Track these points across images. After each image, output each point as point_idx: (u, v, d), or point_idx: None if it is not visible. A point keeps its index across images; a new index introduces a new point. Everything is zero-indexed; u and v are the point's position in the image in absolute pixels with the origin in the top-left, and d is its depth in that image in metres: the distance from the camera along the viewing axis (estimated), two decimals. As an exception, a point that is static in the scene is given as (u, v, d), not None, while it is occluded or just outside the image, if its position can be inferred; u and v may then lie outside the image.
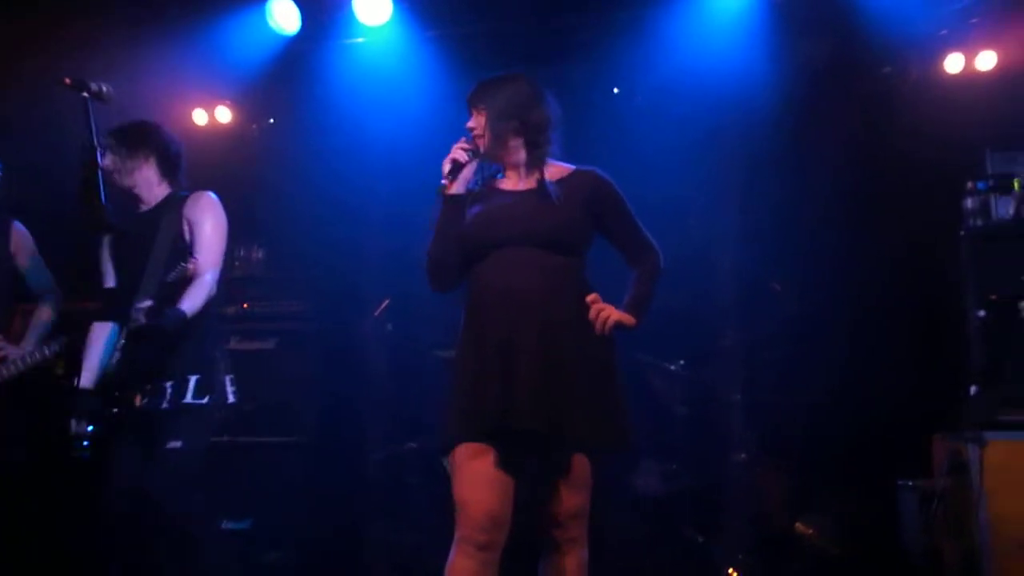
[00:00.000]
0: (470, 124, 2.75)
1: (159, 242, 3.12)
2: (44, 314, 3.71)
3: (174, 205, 3.26)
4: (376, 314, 5.26)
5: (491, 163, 2.81)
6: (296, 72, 5.22)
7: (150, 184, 3.32)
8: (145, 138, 3.33)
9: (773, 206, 4.80)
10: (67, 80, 2.67)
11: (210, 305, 3.19)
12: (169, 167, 3.37)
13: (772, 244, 4.78)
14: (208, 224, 3.22)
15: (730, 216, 4.94)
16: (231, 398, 3.38)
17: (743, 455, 4.53)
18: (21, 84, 4.60)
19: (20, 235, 3.71)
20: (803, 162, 4.88)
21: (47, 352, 3.57)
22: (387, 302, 5.24)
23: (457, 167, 2.66)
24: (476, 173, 2.76)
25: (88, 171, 2.65)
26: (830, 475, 4.46)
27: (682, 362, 4.64)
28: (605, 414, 2.52)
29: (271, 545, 4.56)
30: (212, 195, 3.34)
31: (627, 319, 2.58)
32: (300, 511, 4.64)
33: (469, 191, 2.72)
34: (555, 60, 5.15)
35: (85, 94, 2.70)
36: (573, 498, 2.54)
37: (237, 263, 5.33)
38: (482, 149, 2.71)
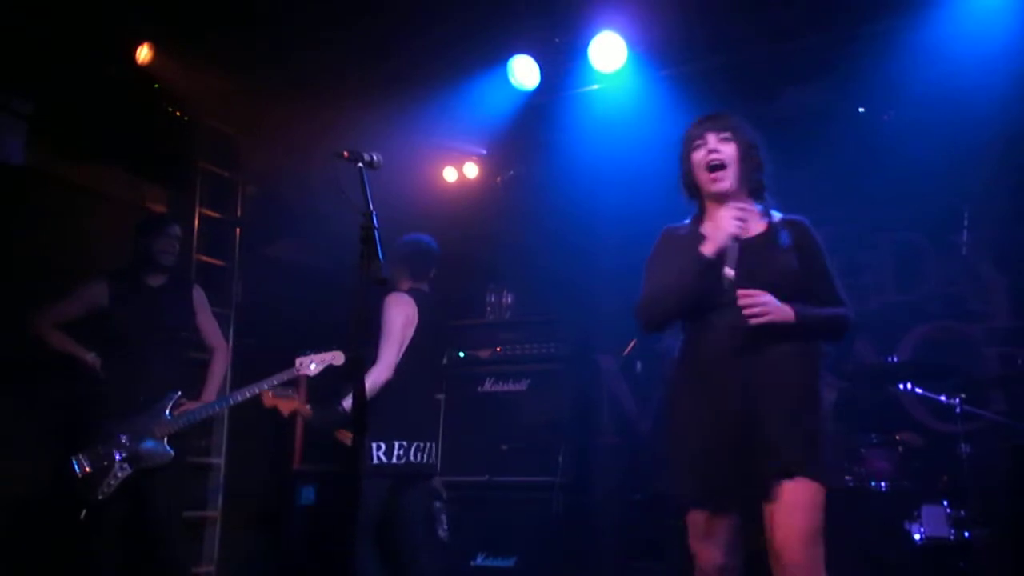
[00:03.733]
0: (716, 147, 2.61)
1: None
2: (219, 366, 4.29)
3: None
4: (624, 354, 5.29)
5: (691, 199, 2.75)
6: (536, 124, 5.44)
7: None
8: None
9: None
10: (345, 153, 2.95)
11: None
12: None
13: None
14: None
15: (1008, 232, 4.51)
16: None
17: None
18: (292, 153, 5.20)
19: (199, 296, 4.30)
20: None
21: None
22: (635, 342, 5.26)
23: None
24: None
25: (366, 232, 2.89)
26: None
27: (963, 395, 4.22)
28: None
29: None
30: None
31: (786, 313, 2.46)
32: (563, 551, 4.70)
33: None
34: (793, 84, 5.01)
35: (360, 164, 2.96)
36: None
37: (489, 309, 5.59)
38: (729, 185, 2.62)
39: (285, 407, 3.88)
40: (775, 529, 2.43)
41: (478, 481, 4.84)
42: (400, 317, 3.90)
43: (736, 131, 2.64)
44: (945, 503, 4.06)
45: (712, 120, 2.67)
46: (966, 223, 4.90)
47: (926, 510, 4.08)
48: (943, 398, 4.26)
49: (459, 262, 4.78)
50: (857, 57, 4.50)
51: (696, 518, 2.51)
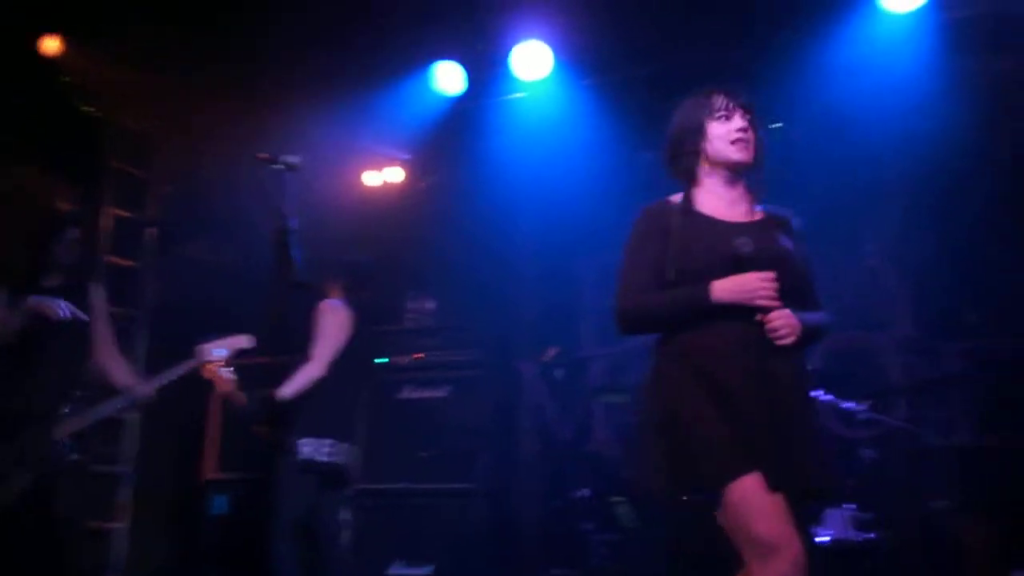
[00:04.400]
0: (743, 124, 2.47)
1: None
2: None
3: None
4: (545, 360, 5.32)
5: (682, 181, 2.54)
6: (460, 130, 5.44)
7: None
8: None
9: (950, 233, 4.53)
10: (264, 155, 2.90)
11: None
12: None
13: (963, 273, 4.49)
14: None
15: (910, 244, 4.70)
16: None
17: (944, 502, 4.20)
18: (211, 152, 5.08)
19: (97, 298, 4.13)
20: (982, 187, 4.59)
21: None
22: (556, 349, 5.29)
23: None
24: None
25: (282, 235, 2.84)
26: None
27: (869, 403, 4.37)
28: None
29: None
30: None
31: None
32: (482, 558, 4.69)
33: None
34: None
35: (279, 166, 2.91)
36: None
37: (409, 315, 5.55)
38: (749, 158, 2.47)
39: (221, 386, 3.81)
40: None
41: (395, 489, 4.80)
42: (336, 322, 4.06)
43: (753, 112, 2.53)
44: (849, 506, 4.19)
45: (735, 96, 2.52)
46: (871, 234, 5.08)
47: (829, 513, 4.21)
48: (850, 405, 4.40)
49: (381, 267, 4.75)
50: (773, 71, 4.62)
51: (746, 487, 2.20)
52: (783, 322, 2.33)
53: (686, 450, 2.28)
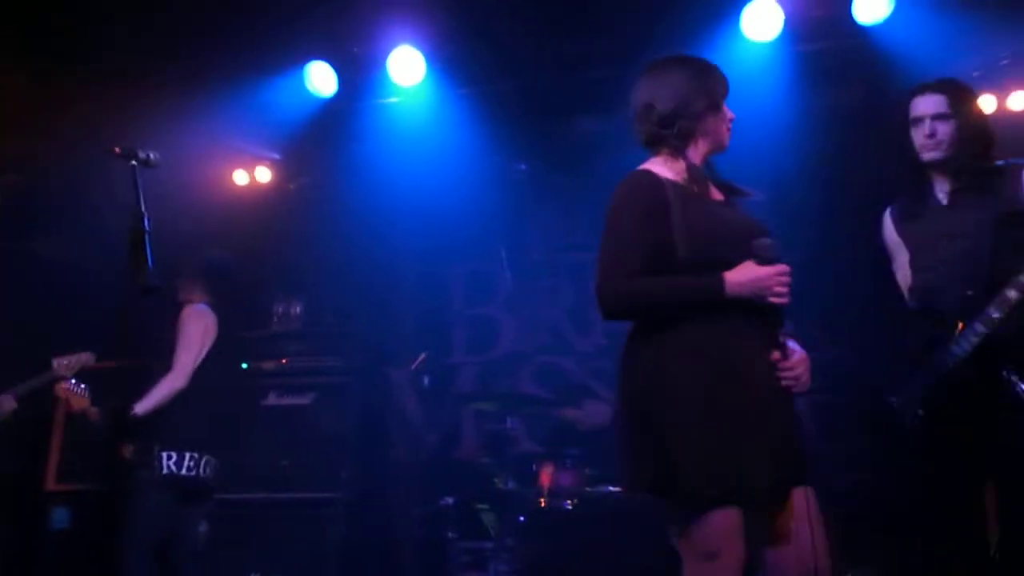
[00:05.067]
0: (733, 115, 2.42)
1: None
2: None
3: None
4: (413, 367, 5.30)
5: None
6: (333, 132, 5.36)
7: None
8: None
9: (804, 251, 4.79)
10: (116, 149, 2.76)
11: None
12: None
13: (806, 289, 4.75)
14: None
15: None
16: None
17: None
18: (60, 142, 4.80)
19: None
20: (833, 210, 4.87)
21: None
22: (424, 356, 5.28)
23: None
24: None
25: (135, 235, 2.71)
26: (880, 523, 4.34)
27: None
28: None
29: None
30: None
31: None
32: (340, 569, 4.61)
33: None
34: (585, 112, 5.26)
35: (133, 162, 2.78)
36: None
37: (275, 319, 5.42)
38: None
39: (76, 403, 3.82)
40: (790, 538, 2.24)
41: (255, 499, 4.66)
42: (200, 328, 3.90)
43: None
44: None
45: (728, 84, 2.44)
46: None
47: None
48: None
49: (246, 269, 4.61)
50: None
51: (730, 514, 2.13)
52: (803, 370, 2.23)
53: (687, 455, 2.13)
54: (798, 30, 4.53)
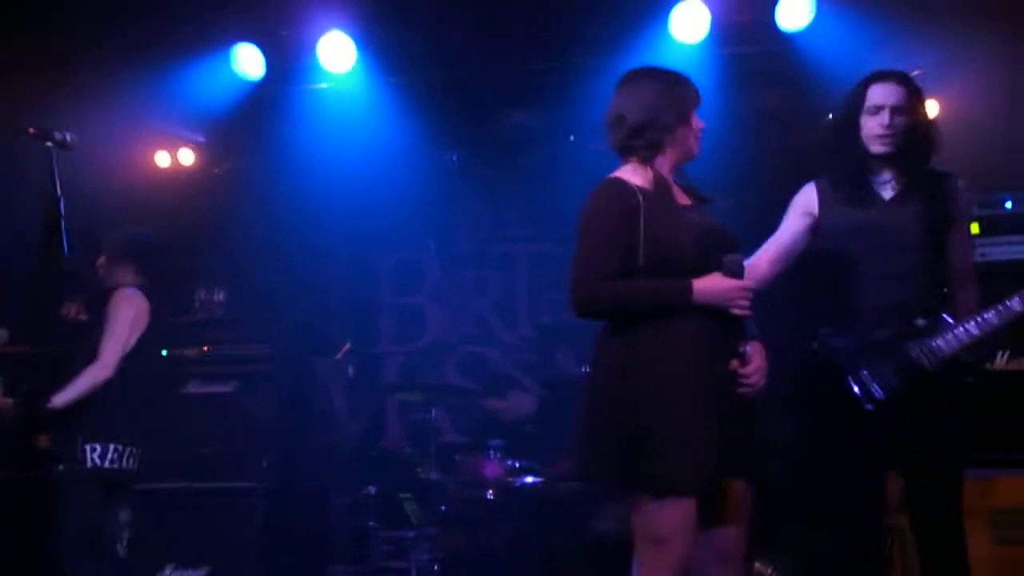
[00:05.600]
0: (703, 125, 2.53)
1: None
2: None
3: None
4: (337, 357, 5.27)
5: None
6: (260, 116, 5.27)
7: None
8: None
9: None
10: (31, 130, 2.67)
11: None
12: None
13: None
14: None
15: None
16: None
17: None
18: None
19: None
20: (750, 214, 5.01)
21: None
22: (348, 345, 5.25)
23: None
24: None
25: (51, 219, 2.64)
26: (791, 510, 4.49)
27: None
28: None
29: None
30: None
31: None
32: (259, 559, 4.57)
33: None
34: (516, 106, 5.30)
35: (49, 143, 2.69)
36: None
37: (198, 305, 5.31)
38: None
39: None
40: (729, 524, 2.41)
41: (174, 488, 4.58)
42: (129, 315, 3.71)
43: None
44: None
45: (698, 94, 2.54)
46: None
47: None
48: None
49: (168, 254, 4.50)
50: (571, 87, 4.83)
51: (687, 507, 2.28)
52: (759, 377, 2.39)
53: (651, 448, 2.26)
54: (724, 33, 4.64)
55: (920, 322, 2.78)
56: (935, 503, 2.79)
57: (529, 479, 4.40)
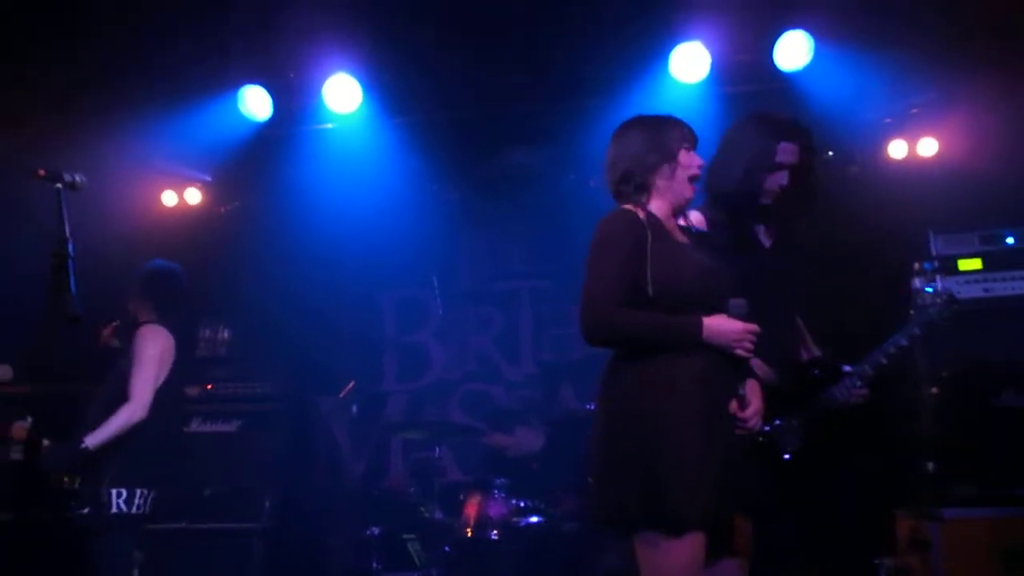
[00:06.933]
0: (701, 162, 2.60)
1: None
2: None
3: None
4: (341, 396, 5.26)
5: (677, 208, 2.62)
6: (267, 156, 5.33)
7: None
8: None
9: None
10: (41, 171, 2.68)
11: None
12: None
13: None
14: None
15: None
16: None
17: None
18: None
19: None
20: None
21: None
22: (352, 384, 5.25)
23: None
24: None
25: (58, 260, 2.64)
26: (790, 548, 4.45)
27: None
28: None
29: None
30: None
31: None
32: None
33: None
34: (517, 145, 5.36)
35: (59, 185, 2.71)
36: None
37: (202, 343, 5.33)
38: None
39: (17, 433, 3.52)
40: (732, 558, 2.47)
41: (174, 529, 4.54)
42: (156, 352, 3.55)
43: None
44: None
45: (692, 133, 2.61)
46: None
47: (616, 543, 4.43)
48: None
49: (187, 282, 4.49)
50: (572, 126, 4.88)
51: (697, 543, 2.32)
52: (757, 421, 2.48)
53: (664, 484, 2.30)
54: (724, 73, 4.70)
55: (815, 372, 2.90)
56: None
57: (534, 519, 4.38)
